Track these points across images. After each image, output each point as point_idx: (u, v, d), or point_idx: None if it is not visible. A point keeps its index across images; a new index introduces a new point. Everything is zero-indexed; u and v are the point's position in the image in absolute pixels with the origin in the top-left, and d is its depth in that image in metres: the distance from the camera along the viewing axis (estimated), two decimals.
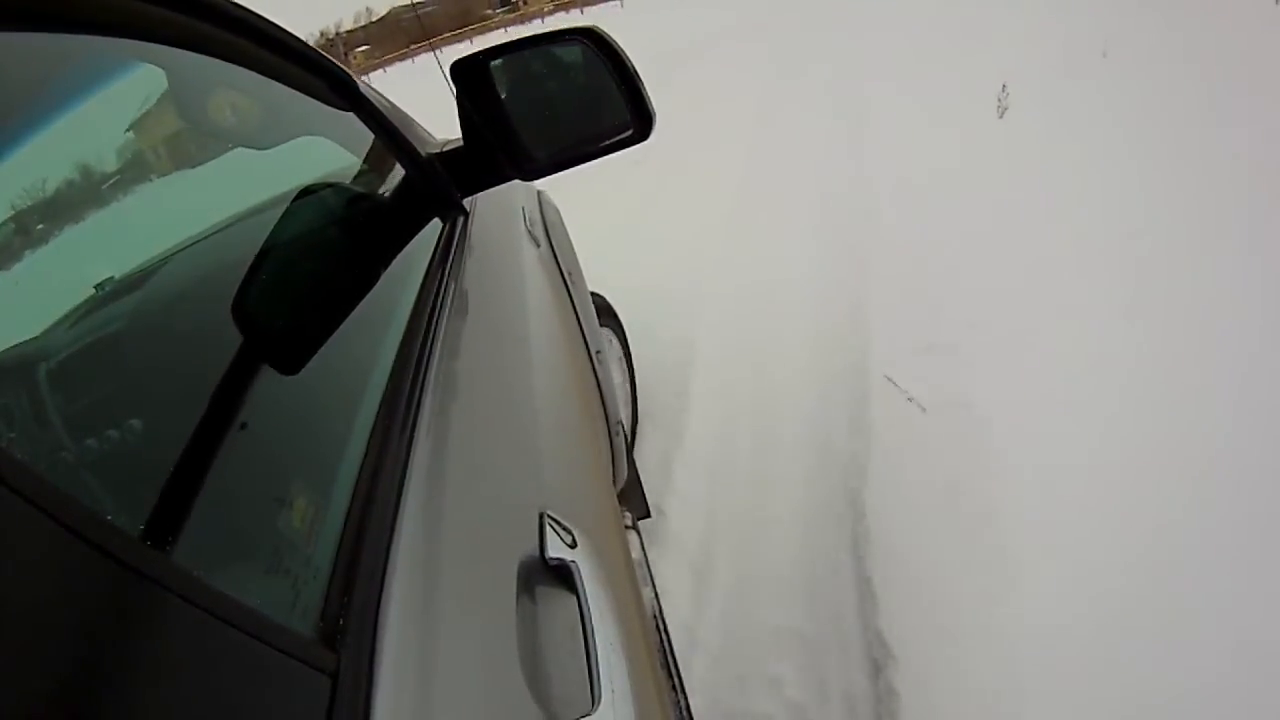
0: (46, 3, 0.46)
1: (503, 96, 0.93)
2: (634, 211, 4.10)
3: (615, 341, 2.18)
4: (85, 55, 0.57)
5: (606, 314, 2.10)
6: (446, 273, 0.81)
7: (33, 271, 0.58)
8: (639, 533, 1.66)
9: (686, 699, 1.31)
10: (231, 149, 0.93)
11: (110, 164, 0.75)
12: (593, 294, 1.84)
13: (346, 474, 0.49)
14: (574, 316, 1.35)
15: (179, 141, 0.86)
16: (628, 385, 2.24)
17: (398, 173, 0.95)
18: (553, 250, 1.47)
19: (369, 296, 0.73)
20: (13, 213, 0.56)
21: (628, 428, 2.08)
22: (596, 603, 0.50)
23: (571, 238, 1.79)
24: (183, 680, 0.27)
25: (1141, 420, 1.75)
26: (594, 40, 0.91)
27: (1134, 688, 1.24)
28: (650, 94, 0.92)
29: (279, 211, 0.76)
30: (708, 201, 4.04)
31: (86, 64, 0.59)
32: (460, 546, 0.49)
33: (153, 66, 0.72)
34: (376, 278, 0.77)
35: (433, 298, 0.74)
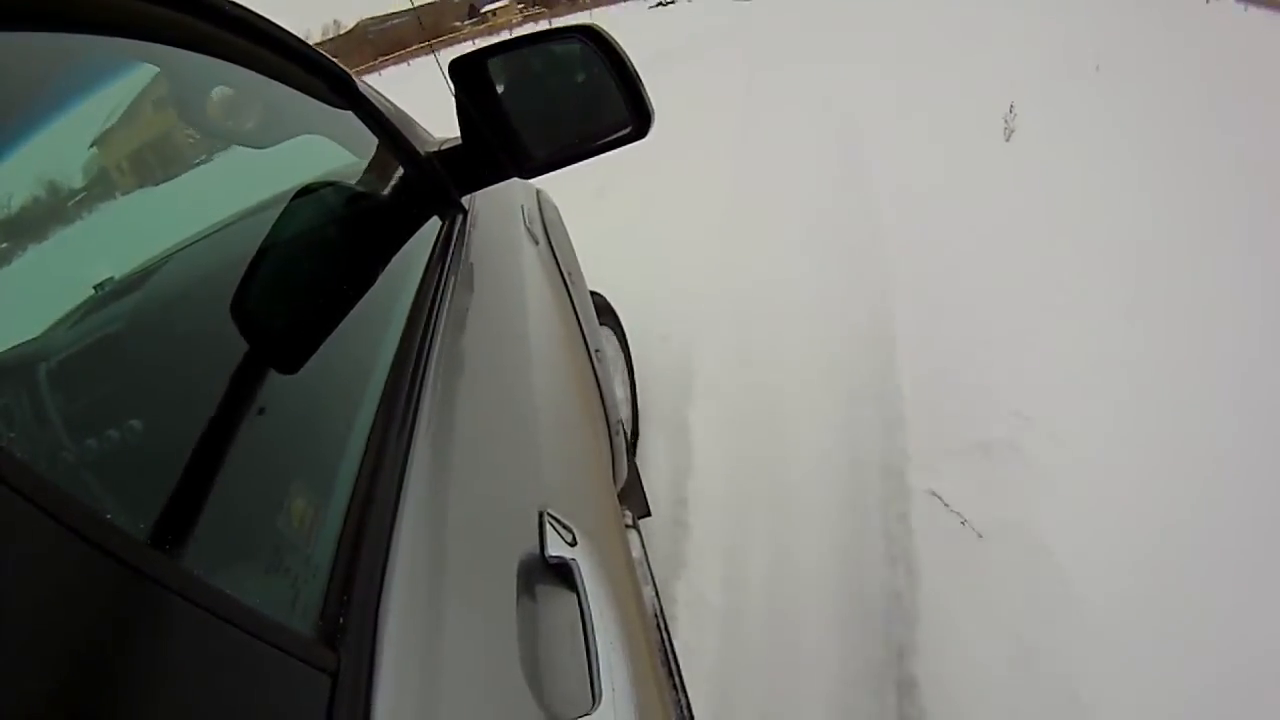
0: (46, 2, 0.46)
1: (501, 95, 0.93)
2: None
3: (615, 340, 2.18)
4: (84, 55, 0.57)
5: (606, 313, 2.10)
6: (445, 271, 0.81)
7: (32, 271, 0.58)
8: (639, 531, 1.66)
9: (687, 698, 1.32)
10: (230, 148, 0.93)
11: (109, 164, 0.75)
12: (592, 293, 1.84)
13: (346, 473, 0.49)
14: (573, 315, 1.35)
15: (178, 141, 0.86)
16: (627, 384, 2.24)
17: (397, 171, 0.95)
18: (551, 248, 1.47)
19: (368, 295, 0.73)
20: (13, 212, 0.56)
21: (628, 426, 2.08)
22: (597, 601, 0.50)
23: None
24: (183, 679, 0.27)
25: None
26: (592, 38, 0.91)
27: None
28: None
29: (278, 211, 0.76)
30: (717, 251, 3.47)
31: (86, 64, 0.59)
32: (460, 545, 0.49)
33: (151, 66, 0.72)
34: (376, 276, 0.77)
35: (432, 296, 0.74)
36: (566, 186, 1.61)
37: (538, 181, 1.15)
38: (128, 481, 0.42)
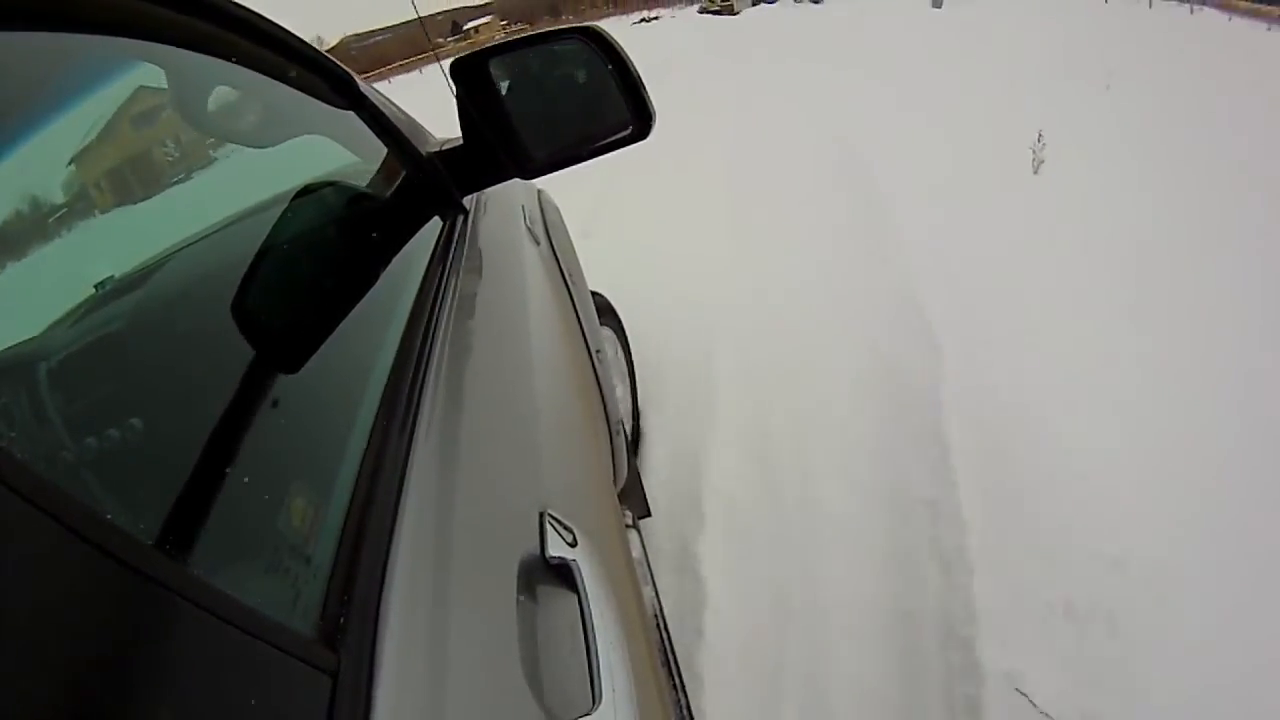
0: (46, 2, 0.46)
1: (502, 95, 0.93)
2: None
3: (615, 340, 2.18)
4: (85, 55, 0.57)
5: (606, 313, 2.10)
6: (446, 271, 0.81)
7: (32, 271, 0.58)
8: (639, 532, 1.66)
9: (687, 698, 1.32)
10: (231, 148, 0.93)
11: (110, 163, 0.75)
12: (593, 293, 1.84)
13: (347, 473, 0.49)
14: (574, 315, 1.35)
15: (179, 141, 0.86)
16: (628, 384, 2.24)
17: (398, 171, 0.95)
18: (553, 249, 1.47)
19: (369, 295, 0.73)
20: (13, 212, 0.56)
21: (628, 426, 2.08)
22: (597, 602, 0.50)
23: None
24: (183, 679, 0.27)
25: None
26: (593, 39, 0.91)
27: None
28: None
29: (279, 210, 0.76)
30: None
31: (86, 63, 0.59)
32: (461, 545, 0.49)
33: (153, 66, 0.72)
34: (376, 276, 0.77)
35: (433, 296, 0.74)
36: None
37: (538, 181, 1.15)
38: (128, 481, 0.42)
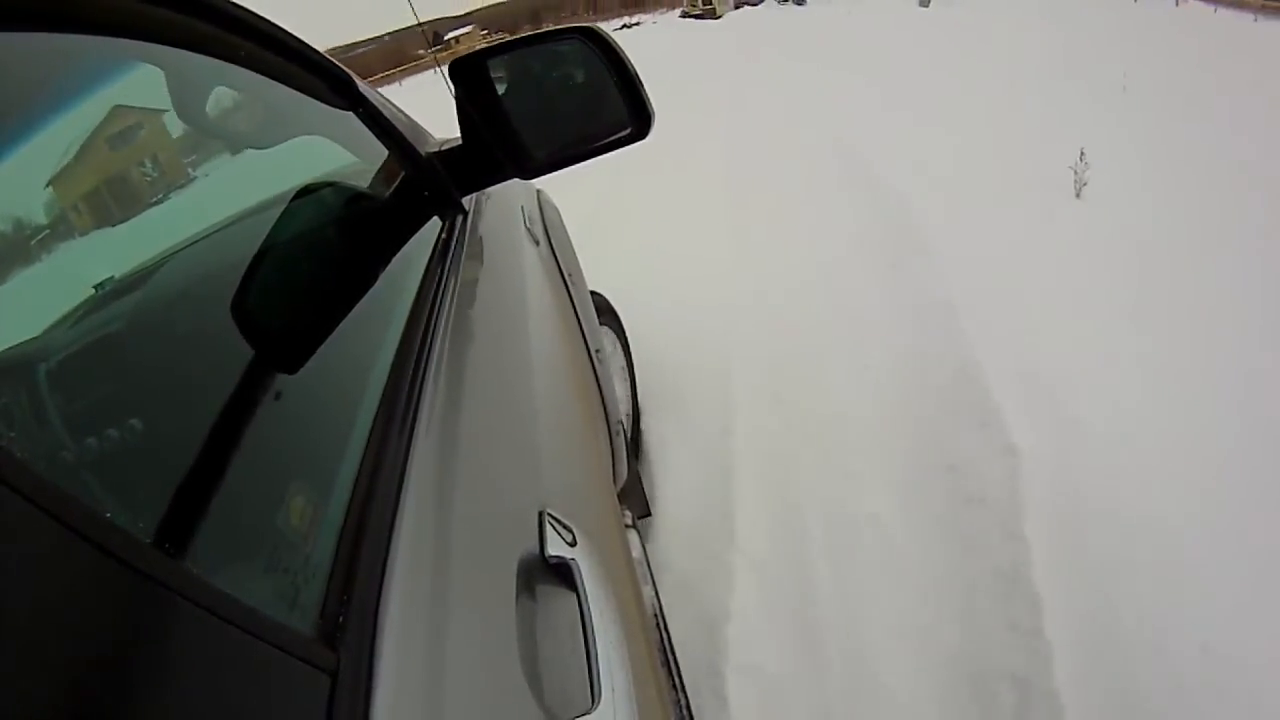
0: (46, 3, 0.46)
1: (501, 95, 0.93)
2: None
3: (615, 340, 2.18)
4: (85, 55, 0.57)
5: (606, 312, 2.10)
6: (446, 271, 0.81)
7: (32, 271, 0.58)
8: (639, 531, 1.66)
9: (687, 698, 1.32)
10: (230, 148, 0.93)
11: (109, 164, 0.75)
12: (592, 292, 1.84)
13: (346, 472, 0.49)
14: (574, 315, 1.36)
15: (177, 141, 0.86)
16: (628, 384, 2.24)
17: (397, 172, 0.95)
18: (552, 249, 1.47)
19: (368, 295, 0.73)
20: (12, 213, 0.56)
21: (628, 425, 2.08)
22: (596, 601, 0.50)
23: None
24: (182, 679, 0.27)
25: None
26: (592, 38, 0.91)
27: None
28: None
29: (278, 211, 0.76)
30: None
31: (86, 64, 0.59)
32: (460, 545, 0.49)
33: (151, 66, 0.72)
34: (376, 277, 0.77)
35: (432, 296, 0.74)
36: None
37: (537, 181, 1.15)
38: (128, 481, 0.42)
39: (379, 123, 0.93)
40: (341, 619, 0.37)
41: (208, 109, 0.81)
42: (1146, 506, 1.71)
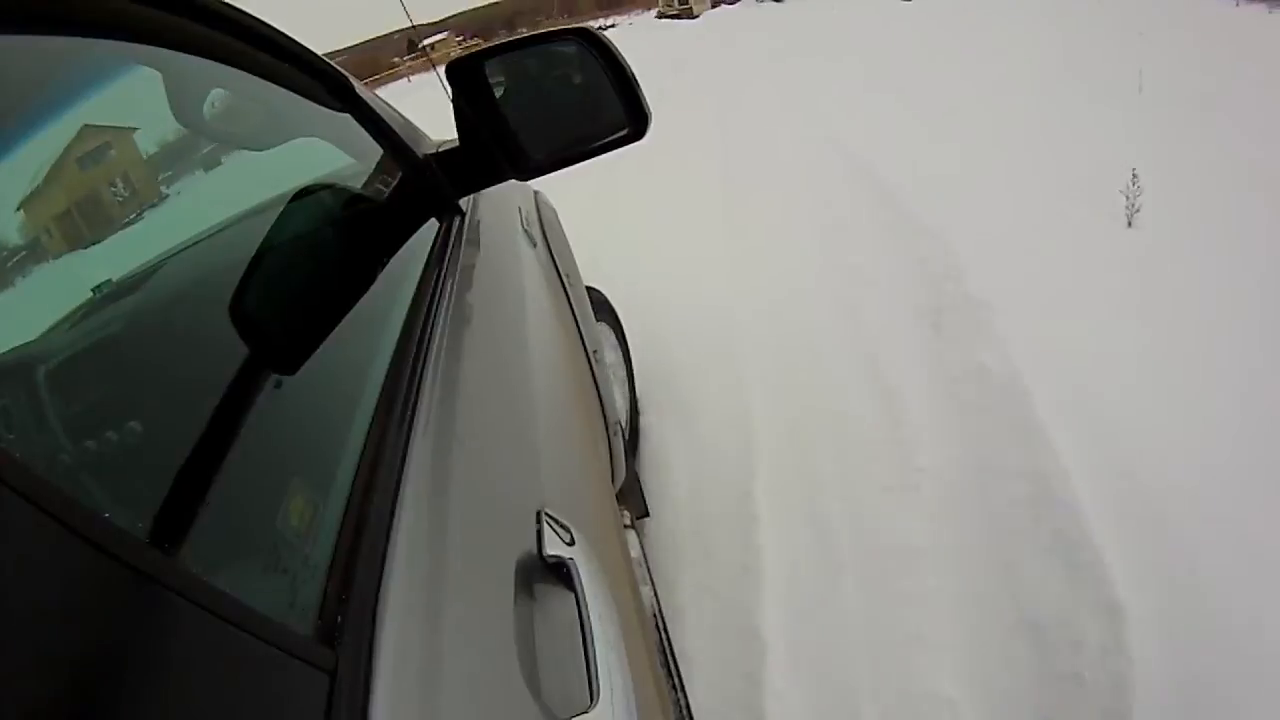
0: (43, 5, 0.46)
1: (498, 97, 0.93)
2: None
3: (613, 337, 2.18)
4: (83, 58, 0.57)
5: (603, 309, 2.10)
6: (443, 273, 0.81)
7: (31, 274, 0.59)
8: (638, 532, 1.66)
9: (686, 697, 1.32)
10: (228, 151, 0.93)
11: (108, 167, 0.75)
12: (589, 289, 1.84)
13: (344, 473, 0.49)
14: (571, 316, 1.36)
15: (175, 144, 0.86)
16: (626, 383, 2.24)
17: (394, 173, 0.96)
18: (549, 250, 1.47)
19: (366, 297, 0.73)
20: (11, 215, 0.56)
21: (626, 424, 2.08)
22: (595, 601, 0.50)
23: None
24: (181, 678, 0.27)
25: None
26: (588, 39, 0.91)
27: None
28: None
29: (276, 213, 0.76)
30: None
31: (83, 66, 0.59)
32: (458, 545, 0.49)
33: (149, 69, 0.72)
34: (373, 278, 0.77)
35: (429, 297, 0.74)
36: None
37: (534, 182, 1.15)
38: (126, 482, 0.43)
39: (376, 124, 0.93)
40: (340, 619, 0.38)
41: (205, 111, 0.81)
42: None
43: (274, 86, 0.79)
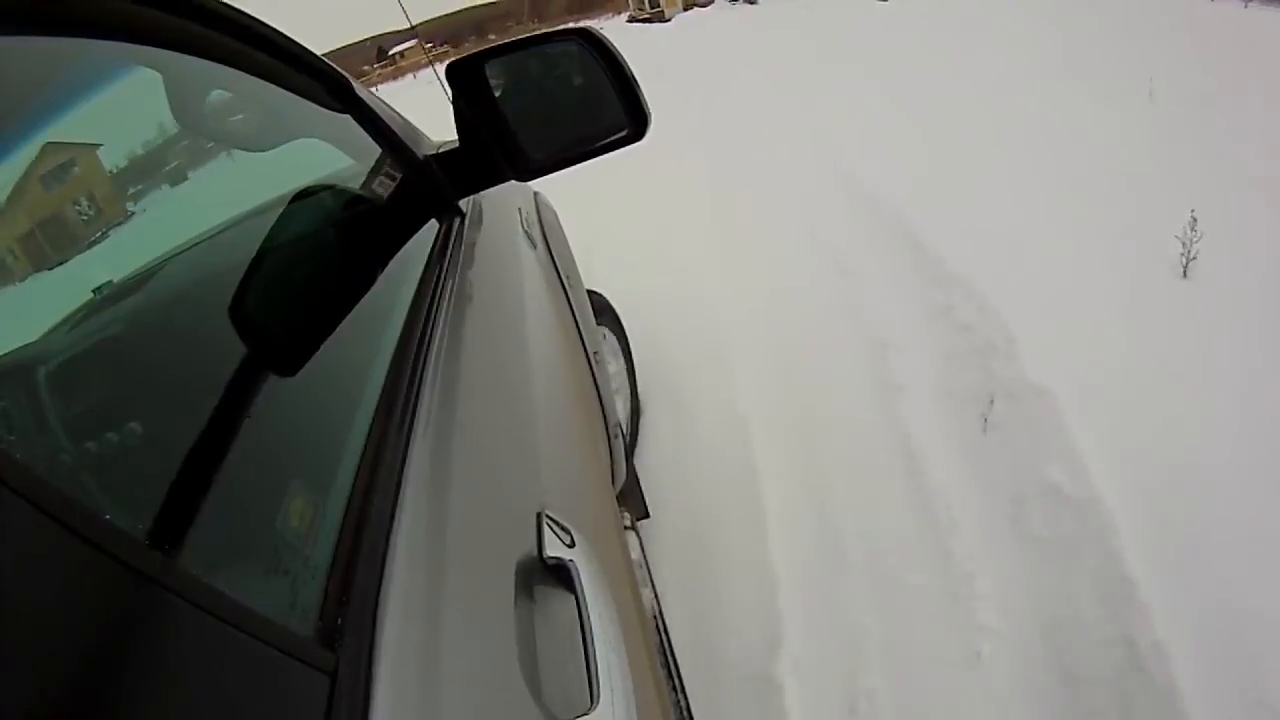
0: (43, 6, 0.46)
1: (498, 97, 0.93)
2: None
3: (614, 340, 2.18)
4: (83, 59, 0.57)
5: (604, 312, 2.10)
6: (443, 274, 0.81)
7: (31, 275, 0.59)
8: (638, 533, 1.66)
9: (686, 699, 1.32)
10: (228, 152, 0.93)
11: (107, 168, 0.75)
12: (590, 292, 1.84)
13: (344, 474, 0.49)
14: (571, 317, 1.36)
15: (175, 145, 0.87)
16: (627, 385, 2.24)
17: (394, 174, 0.96)
18: (549, 251, 1.47)
19: (366, 298, 0.73)
20: (10, 217, 0.56)
21: (626, 425, 2.08)
22: (595, 602, 0.50)
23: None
24: (181, 679, 0.27)
25: None
26: (588, 40, 0.91)
27: None
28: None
29: (276, 214, 0.76)
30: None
31: (83, 67, 0.59)
32: (458, 546, 0.49)
33: (149, 70, 0.72)
34: (374, 279, 0.77)
35: (430, 299, 0.74)
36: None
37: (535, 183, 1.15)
38: (127, 483, 0.43)
39: (376, 125, 0.93)
40: (340, 620, 0.37)
41: (205, 112, 0.81)
42: None
43: (274, 87, 0.79)
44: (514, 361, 0.82)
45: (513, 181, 1.02)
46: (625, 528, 1.51)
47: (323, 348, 0.62)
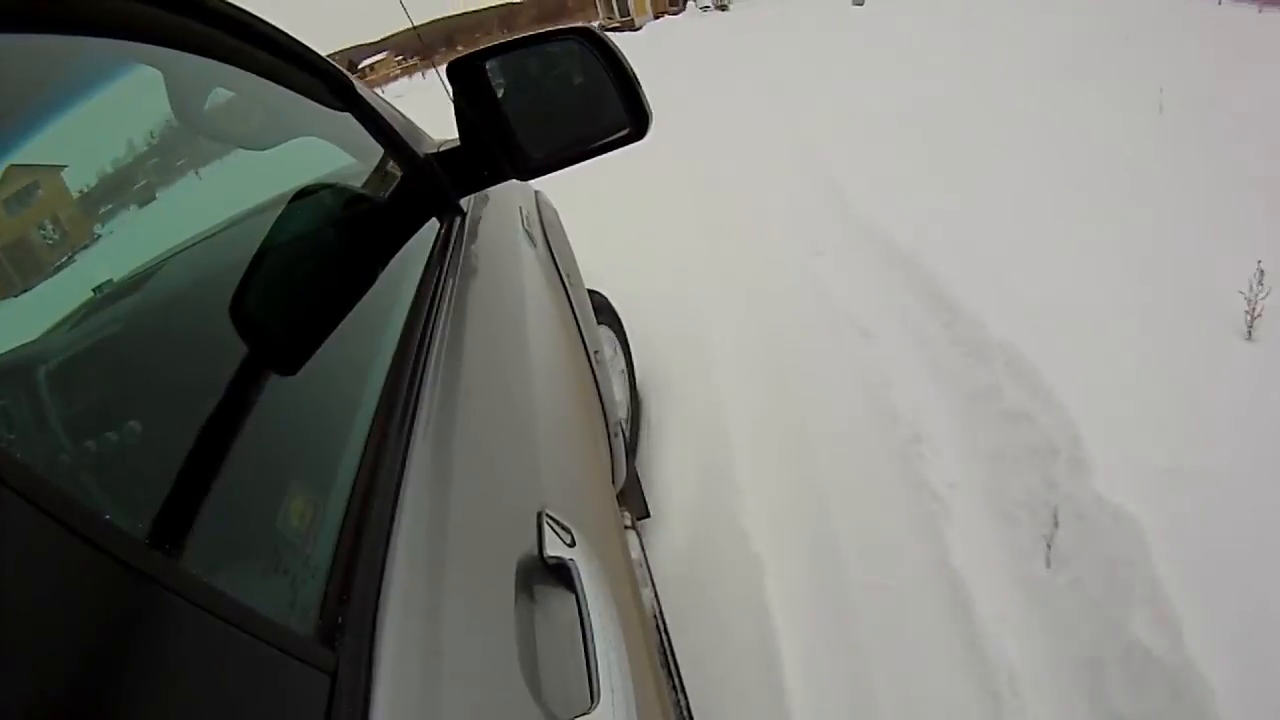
0: (44, 4, 0.46)
1: (499, 96, 0.93)
2: None
3: (614, 339, 2.18)
4: (83, 57, 0.57)
5: (604, 311, 2.10)
6: (444, 272, 0.81)
7: (32, 274, 0.59)
8: (638, 533, 1.66)
9: (686, 698, 1.32)
10: (229, 150, 0.93)
11: (107, 166, 0.75)
12: (591, 291, 1.84)
13: (345, 474, 0.49)
14: (572, 316, 1.36)
15: (176, 143, 0.86)
16: (627, 384, 2.24)
17: (395, 173, 0.96)
18: (550, 250, 1.47)
19: (366, 297, 0.73)
20: (12, 215, 0.56)
21: (626, 425, 2.08)
22: (595, 602, 0.50)
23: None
24: (181, 679, 0.27)
25: None
26: (589, 39, 0.91)
27: None
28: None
29: (277, 212, 0.76)
30: None
31: (84, 66, 0.59)
32: (458, 546, 0.49)
33: (150, 68, 0.72)
34: (374, 278, 0.77)
35: (430, 297, 0.74)
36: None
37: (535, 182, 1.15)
38: (127, 483, 0.43)
39: (377, 124, 0.93)
40: (340, 619, 0.37)
41: (206, 111, 0.81)
42: None
43: (275, 86, 0.79)
44: (514, 360, 0.82)
45: (513, 180, 1.02)
46: (625, 527, 1.51)
47: (323, 347, 0.62)
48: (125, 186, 0.78)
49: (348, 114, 0.91)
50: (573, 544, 0.55)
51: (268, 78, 0.77)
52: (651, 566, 1.61)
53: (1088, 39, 5.67)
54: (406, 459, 0.51)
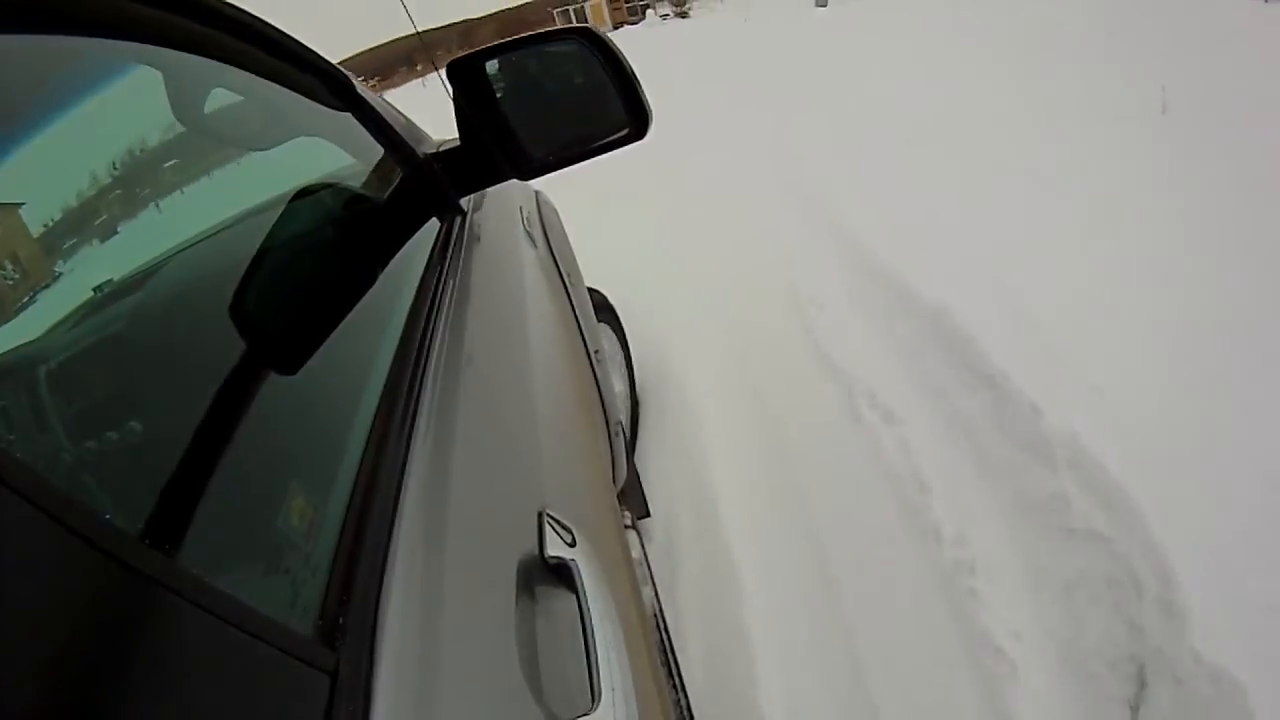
0: (43, 5, 0.46)
1: (499, 96, 0.93)
2: None
3: (614, 338, 2.18)
4: (84, 57, 0.57)
5: (604, 310, 2.10)
6: (444, 272, 0.81)
7: (32, 274, 0.58)
8: (639, 532, 1.66)
9: (687, 698, 1.32)
10: (229, 150, 0.93)
11: (107, 166, 0.75)
12: (590, 290, 1.84)
13: (345, 473, 0.49)
14: (572, 316, 1.36)
15: (176, 143, 0.86)
16: (627, 383, 2.24)
17: (395, 173, 0.96)
18: (550, 250, 1.47)
19: (367, 297, 0.73)
20: (10, 215, 0.56)
21: (627, 425, 2.08)
22: (596, 602, 0.50)
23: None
24: (181, 679, 0.27)
25: None
26: (589, 39, 0.91)
27: None
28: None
29: (277, 212, 0.76)
30: None
31: (83, 66, 0.59)
32: (459, 545, 0.49)
33: (149, 68, 0.72)
34: (374, 278, 0.77)
35: (430, 297, 0.74)
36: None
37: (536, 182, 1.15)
38: (127, 482, 0.42)
39: (377, 124, 0.93)
40: (341, 619, 0.37)
41: (205, 111, 0.81)
42: None
43: (275, 86, 0.79)
44: (515, 360, 0.82)
45: (514, 180, 1.02)
46: (626, 527, 1.51)
47: (323, 346, 0.62)
48: (125, 186, 0.77)
49: (348, 114, 0.91)
50: (573, 544, 0.55)
51: (267, 78, 0.77)
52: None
53: (1087, 27, 5.35)
54: (407, 458, 0.51)
